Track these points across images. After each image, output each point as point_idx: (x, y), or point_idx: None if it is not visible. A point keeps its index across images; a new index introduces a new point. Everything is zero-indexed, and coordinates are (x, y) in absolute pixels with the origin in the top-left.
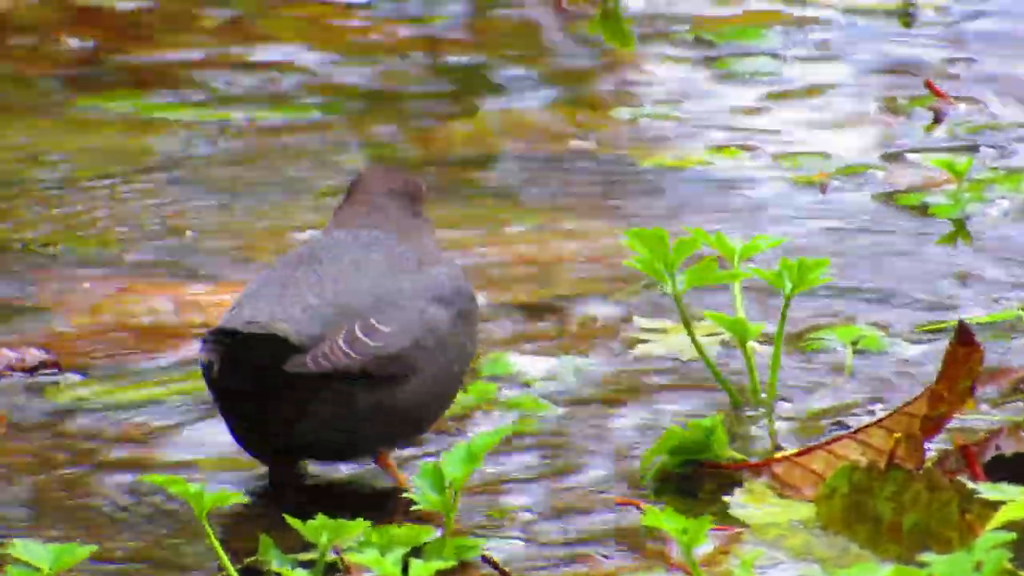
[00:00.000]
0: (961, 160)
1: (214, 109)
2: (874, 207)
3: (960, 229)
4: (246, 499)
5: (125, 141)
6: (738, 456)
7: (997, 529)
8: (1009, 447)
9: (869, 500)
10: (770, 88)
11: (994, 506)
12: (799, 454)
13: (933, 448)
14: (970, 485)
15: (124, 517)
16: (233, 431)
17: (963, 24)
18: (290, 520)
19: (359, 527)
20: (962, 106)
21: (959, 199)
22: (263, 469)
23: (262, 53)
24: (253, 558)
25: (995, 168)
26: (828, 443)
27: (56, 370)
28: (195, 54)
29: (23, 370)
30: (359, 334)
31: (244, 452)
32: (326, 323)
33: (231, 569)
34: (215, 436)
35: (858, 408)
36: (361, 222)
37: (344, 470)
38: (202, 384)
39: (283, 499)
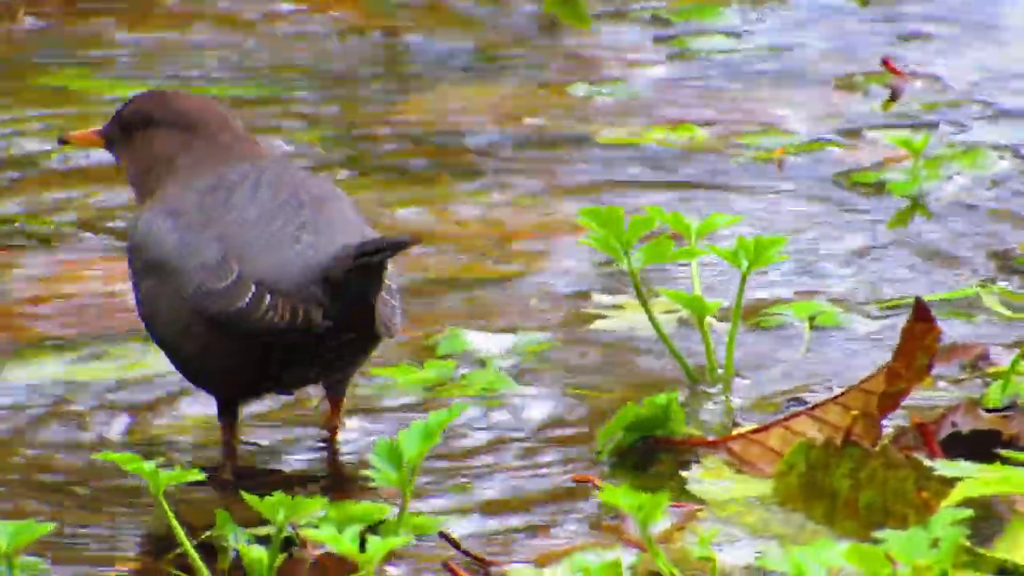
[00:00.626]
0: (918, 137)
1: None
2: (831, 184)
3: (917, 206)
4: (203, 476)
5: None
6: (695, 433)
7: (954, 506)
8: (966, 424)
9: (826, 477)
10: (727, 66)
11: (951, 483)
12: (756, 431)
13: (890, 425)
14: (927, 462)
15: (83, 493)
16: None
17: (920, 2)
18: (247, 497)
19: (316, 504)
20: (919, 83)
21: (916, 176)
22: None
23: (219, 36)
24: (209, 533)
25: (952, 145)
26: (785, 420)
27: None
28: (154, 35)
29: None
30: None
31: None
32: None
33: (187, 545)
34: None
35: (815, 385)
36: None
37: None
38: None
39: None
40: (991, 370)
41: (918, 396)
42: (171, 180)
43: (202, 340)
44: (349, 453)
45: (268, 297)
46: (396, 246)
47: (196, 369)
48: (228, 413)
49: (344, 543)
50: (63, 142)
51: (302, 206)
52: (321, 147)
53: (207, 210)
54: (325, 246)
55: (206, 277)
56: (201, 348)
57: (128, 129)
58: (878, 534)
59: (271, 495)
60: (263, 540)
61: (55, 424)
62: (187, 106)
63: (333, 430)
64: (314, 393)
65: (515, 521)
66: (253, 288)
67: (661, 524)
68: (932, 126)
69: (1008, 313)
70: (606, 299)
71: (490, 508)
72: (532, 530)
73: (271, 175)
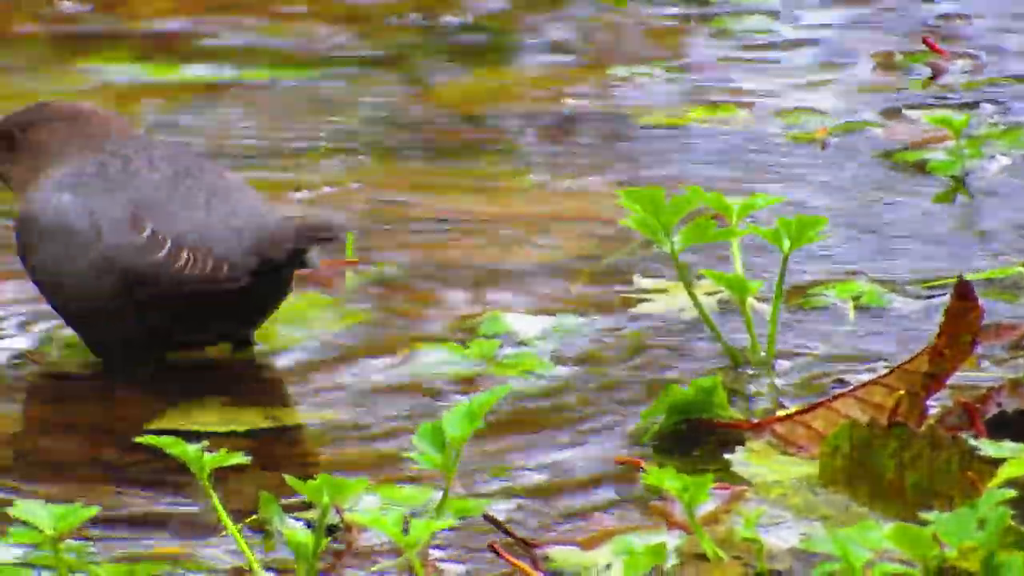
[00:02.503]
0: (959, 116)
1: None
2: (873, 164)
3: (959, 186)
4: (247, 459)
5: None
6: (739, 415)
7: (999, 486)
8: (1011, 404)
9: (871, 458)
10: (766, 45)
11: (996, 463)
12: (800, 412)
13: (935, 405)
14: (972, 442)
15: (127, 477)
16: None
17: None
18: (290, 480)
19: (360, 486)
20: (959, 62)
21: (958, 156)
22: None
23: (253, 18)
24: (255, 516)
25: (994, 124)
26: (829, 401)
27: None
28: (191, 19)
29: None
30: None
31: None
32: None
33: (233, 528)
34: None
35: (859, 365)
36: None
37: None
38: None
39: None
40: None
41: (962, 376)
42: (56, 165)
43: (111, 301)
44: (390, 437)
45: (186, 252)
46: (332, 232)
47: (100, 333)
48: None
49: (388, 526)
50: None
51: (203, 174)
52: (360, 128)
53: (108, 178)
54: (248, 216)
55: (119, 234)
56: (109, 310)
57: (8, 138)
58: (924, 515)
59: (315, 478)
60: (307, 523)
61: None
62: (60, 106)
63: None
64: None
65: (559, 503)
66: (169, 242)
67: (706, 506)
68: (973, 105)
69: None
70: (647, 281)
71: (534, 490)
72: (576, 512)
73: (163, 150)
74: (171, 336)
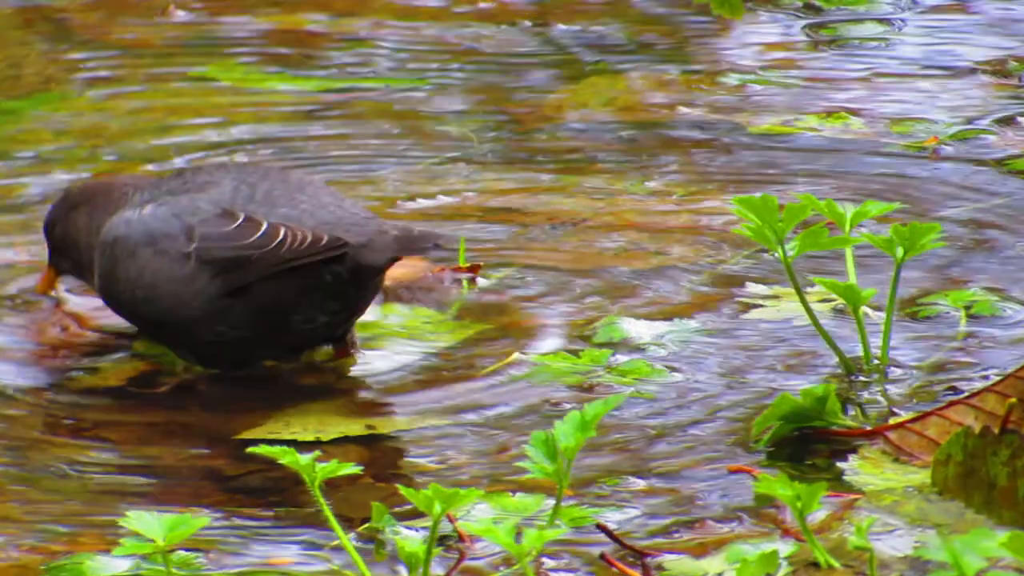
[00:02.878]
0: None
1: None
2: (986, 172)
3: None
4: (359, 469)
5: (237, 113)
6: (851, 423)
7: None
8: None
9: (983, 466)
10: (879, 53)
11: None
12: (913, 420)
13: None
14: None
15: (237, 487)
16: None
17: None
18: (403, 490)
19: (472, 496)
20: None
21: None
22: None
23: (365, 25)
24: (366, 526)
25: None
26: (942, 409)
27: None
28: (301, 27)
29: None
30: None
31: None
32: None
33: (345, 539)
34: None
35: (972, 373)
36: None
37: None
38: None
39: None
40: None
41: None
42: (107, 219)
43: (209, 300)
44: (502, 446)
45: (283, 230)
46: (435, 244)
47: (196, 337)
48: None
49: (500, 535)
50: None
51: (281, 180)
52: (474, 137)
53: (179, 191)
54: (345, 214)
55: (211, 225)
56: (210, 308)
57: (57, 240)
58: None
59: (427, 488)
60: (419, 531)
61: None
62: (78, 189)
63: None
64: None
65: (670, 511)
66: (265, 224)
67: (818, 514)
68: None
69: None
70: (761, 288)
71: (646, 498)
72: (688, 521)
73: (211, 167)
74: (270, 328)
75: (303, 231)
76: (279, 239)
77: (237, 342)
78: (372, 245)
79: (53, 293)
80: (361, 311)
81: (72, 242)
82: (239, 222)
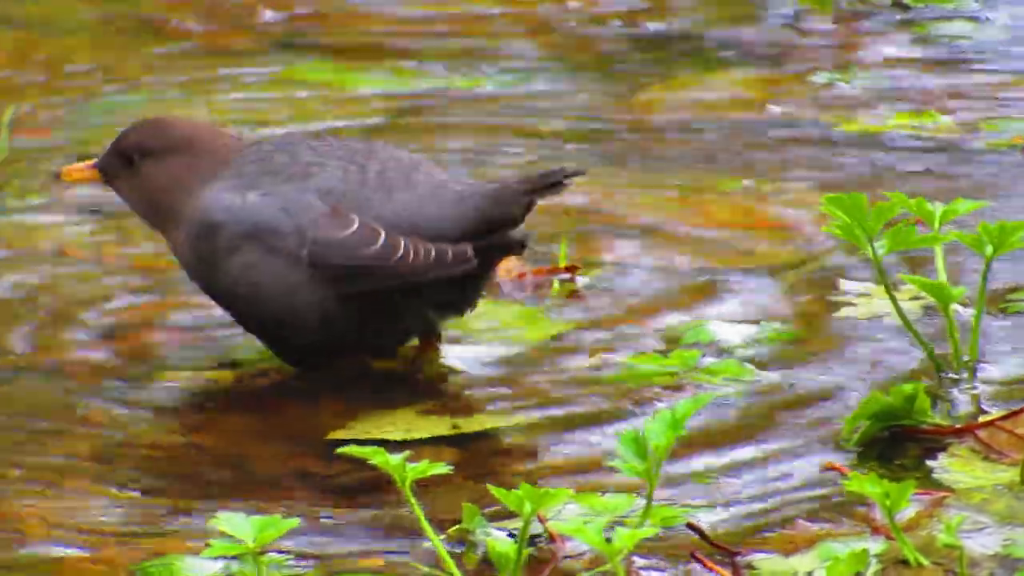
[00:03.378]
0: None
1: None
2: None
3: None
4: (449, 469)
5: (326, 111)
6: (941, 421)
7: None
8: None
9: None
10: (968, 50)
11: None
12: (1003, 418)
13: None
14: None
15: (327, 487)
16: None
17: None
18: (493, 490)
19: (563, 496)
20: None
21: None
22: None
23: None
24: (457, 527)
25: None
26: None
27: None
28: (388, 27)
29: None
30: None
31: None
32: None
33: (436, 540)
34: None
35: None
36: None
37: None
38: None
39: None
40: None
41: None
42: (204, 185)
43: (318, 304)
44: (592, 445)
45: (403, 241)
46: (566, 175)
47: (297, 336)
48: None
49: (591, 535)
50: (57, 176)
51: (384, 155)
52: (564, 137)
53: (281, 174)
54: (458, 186)
55: (324, 229)
56: (315, 313)
57: (127, 159)
58: None
59: (517, 488)
60: (510, 532)
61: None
62: (182, 128)
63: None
64: None
65: (761, 510)
66: (383, 234)
67: (907, 512)
68: None
69: None
70: (851, 286)
71: (736, 497)
72: (779, 519)
73: (314, 142)
74: (373, 332)
75: (424, 246)
76: (399, 255)
77: (336, 344)
78: (501, 202)
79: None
80: (475, 305)
81: (158, 185)
82: (353, 228)
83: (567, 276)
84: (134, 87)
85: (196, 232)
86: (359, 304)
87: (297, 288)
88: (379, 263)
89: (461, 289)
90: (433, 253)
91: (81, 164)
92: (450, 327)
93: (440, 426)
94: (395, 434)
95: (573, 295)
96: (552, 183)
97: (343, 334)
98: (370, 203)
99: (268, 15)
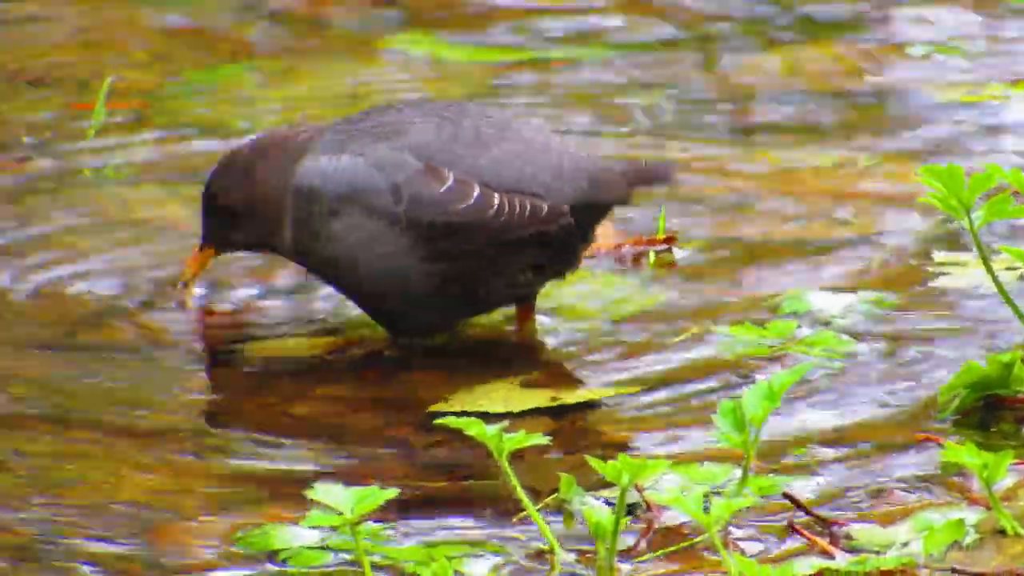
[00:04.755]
0: None
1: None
2: None
3: None
4: (546, 440)
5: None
6: None
7: None
8: None
9: None
10: None
11: None
12: None
13: None
14: None
15: (424, 458)
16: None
17: None
18: (591, 461)
19: (660, 466)
20: None
21: None
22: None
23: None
24: (553, 497)
25: None
26: None
27: None
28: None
29: None
30: None
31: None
32: None
33: (532, 510)
34: None
35: None
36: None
37: None
38: None
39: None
40: None
41: None
42: (294, 165)
43: (416, 263)
44: (690, 415)
45: (497, 197)
46: (671, 173)
47: (398, 302)
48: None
49: (689, 505)
50: (184, 285)
51: (476, 113)
52: (657, 109)
53: (372, 135)
54: (562, 156)
55: (419, 186)
56: (414, 272)
57: (226, 215)
58: None
59: (615, 458)
60: (607, 502)
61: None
62: (250, 145)
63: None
64: None
65: (858, 480)
66: (477, 189)
67: (1004, 482)
68: None
69: None
70: (947, 256)
71: (833, 467)
72: (876, 489)
73: (402, 105)
74: (470, 296)
75: (520, 199)
76: (494, 209)
77: (436, 307)
78: (599, 186)
79: (196, 291)
80: (576, 266)
81: (250, 205)
82: (449, 184)
83: (665, 247)
84: (233, 59)
85: (294, 204)
86: (458, 265)
87: (397, 249)
88: (474, 218)
89: (559, 250)
90: (529, 207)
91: (192, 256)
92: (548, 297)
93: (539, 398)
94: (493, 407)
95: (670, 266)
96: (658, 178)
97: (443, 298)
98: (464, 159)
99: None
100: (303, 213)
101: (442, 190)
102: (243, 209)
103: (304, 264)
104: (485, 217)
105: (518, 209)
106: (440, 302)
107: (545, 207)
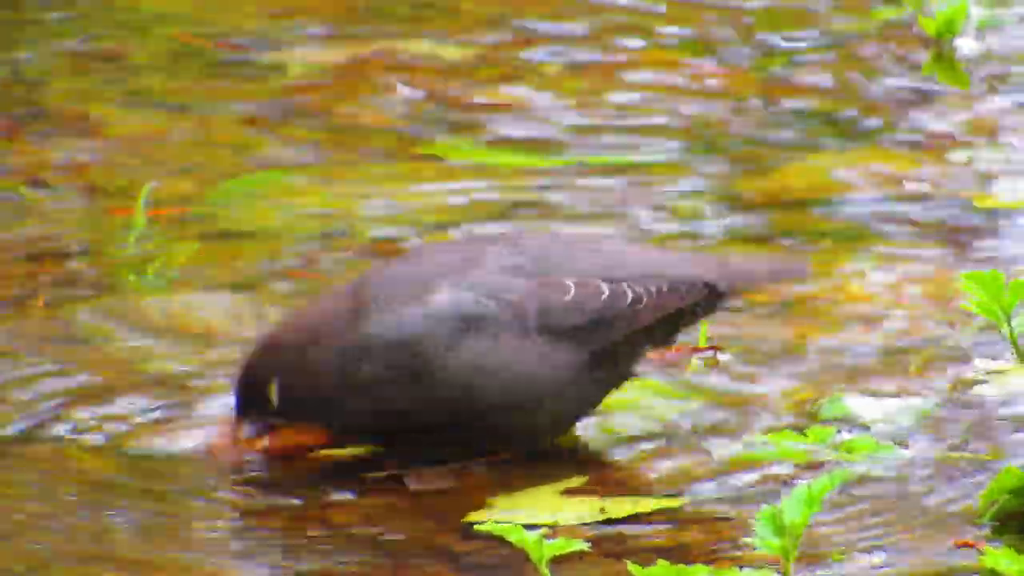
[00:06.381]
0: None
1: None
2: None
3: None
4: (586, 546)
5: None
6: None
7: None
8: None
9: None
10: None
11: None
12: None
13: None
14: None
15: (465, 564)
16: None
17: None
18: (631, 567)
19: (700, 573)
20: None
21: None
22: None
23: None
24: None
25: None
26: None
27: None
28: (536, 99)
29: None
30: None
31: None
32: None
33: None
34: None
35: None
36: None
37: None
38: None
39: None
40: None
41: None
42: (353, 332)
43: (561, 367)
44: (731, 522)
45: (626, 287)
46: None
47: (542, 412)
48: None
49: None
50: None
51: (528, 237)
52: (702, 215)
53: (448, 268)
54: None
55: (543, 299)
56: (565, 380)
57: (264, 401)
58: None
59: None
60: None
61: None
62: (292, 325)
63: None
64: None
65: None
66: (601, 283)
67: None
68: None
69: None
70: (988, 364)
71: (872, 573)
72: None
73: (453, 244)
74: (602, 388)
75: (645, 286)
76: (630, 300)
77: (571, 410)
78: (735, 276)
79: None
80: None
81: (307, 384)
82: (572, 289)
83: (710, 354)
84: (268, 167)
85: (382, 361)
86: (593, 361)
87: (534, 362)
88: (617, 311)
89: (673, 328)
90: (665, 287)
91: (234, 441)
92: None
93: (587, 508)
94: (541, 518)
95: (712, 371)
96: (794, 274)
97: (578, 397)
98: (562, 267)
99: (405, 91)
100: (401, 364)
101: (570, 296)
102: (292, 394)
103: (371, 419)
104: (626, 308)
105: (649, 294)
106: (574, 405)
107: (683, 289)
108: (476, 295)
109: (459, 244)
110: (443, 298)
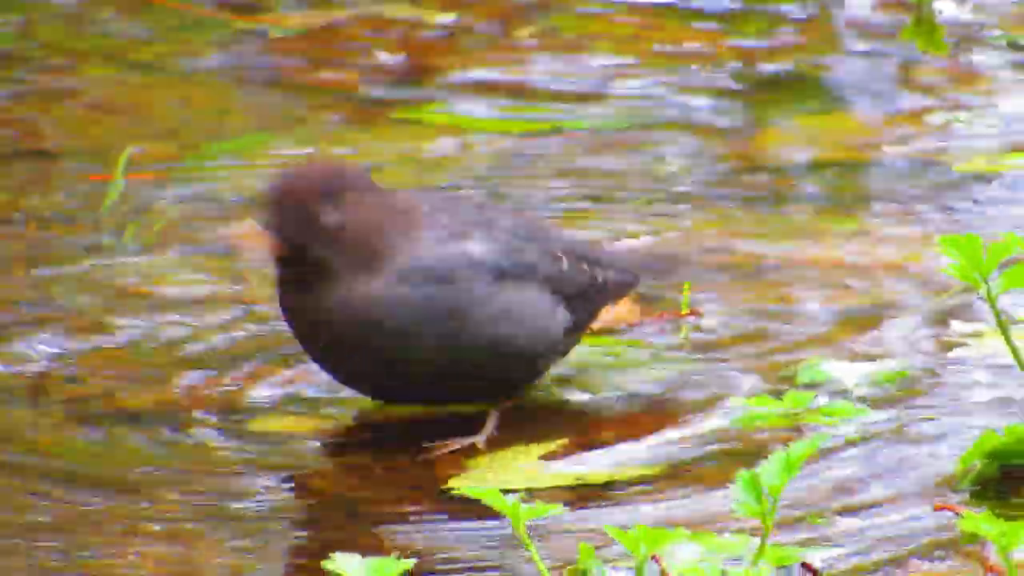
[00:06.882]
0: None
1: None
2: None
3: None
4: (563, 510)
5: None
6: None
7: None
8: None
9: None
10: None
11: None
12: None
13: None
14: None
15: (438, 528)
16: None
17: None
18: (609, 530)
19: (678, 536)
20: None
21: None
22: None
23: (574, 64)
24: (573, 567)
25: None
26: None
27: None
28: (498, 69)
29: None
30: None
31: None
32: None
33: None
34: None
35: None
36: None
37: None
38: None
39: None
40: None
41: None
42: (410, 233)
43: (562, 325)
44: (708, 486)
45: (599, 273)
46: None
47: (543, 362)
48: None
49: (705, 575)
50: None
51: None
52: (678, 176)
53: (474, 221)
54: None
55: (555, 266)
56: (560, 335)
57: (310, 214)
58: None
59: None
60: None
61: None
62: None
63: None
64: None
65: (877, 550)
66: (586, 267)
67: (1022, 550)
68: None
69: None
70: (964, 327)
71: (851, 537)
72: (893, 559)
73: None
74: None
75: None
76: (602, 278)
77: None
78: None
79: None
80: None
81: (355, 232)
82: (565, 264)
83: (690, 321)
84: (252, 130)
85: (429, 280)
86: (576, 324)
87: (549, 316)
88: (599, 287)
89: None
90: (625, 275)
91: (262, 240)
92: (578, 366)
93: (563, 477)
94: (518, 484)
95: (690, 336)
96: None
97: (563, 352)
98: (548, 240)
99: (384, 57)
100: (444, 295)
101: (564, 267)
102: (332, 224)
103: (396, 340)
104: (602, 287)
105: (618, 277)
106: (564, 352)
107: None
108: (506, 249)
109: (463, 200)
110: (481, 248)
